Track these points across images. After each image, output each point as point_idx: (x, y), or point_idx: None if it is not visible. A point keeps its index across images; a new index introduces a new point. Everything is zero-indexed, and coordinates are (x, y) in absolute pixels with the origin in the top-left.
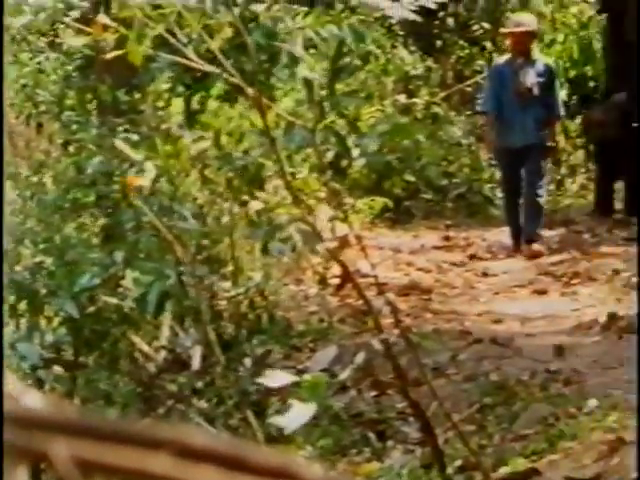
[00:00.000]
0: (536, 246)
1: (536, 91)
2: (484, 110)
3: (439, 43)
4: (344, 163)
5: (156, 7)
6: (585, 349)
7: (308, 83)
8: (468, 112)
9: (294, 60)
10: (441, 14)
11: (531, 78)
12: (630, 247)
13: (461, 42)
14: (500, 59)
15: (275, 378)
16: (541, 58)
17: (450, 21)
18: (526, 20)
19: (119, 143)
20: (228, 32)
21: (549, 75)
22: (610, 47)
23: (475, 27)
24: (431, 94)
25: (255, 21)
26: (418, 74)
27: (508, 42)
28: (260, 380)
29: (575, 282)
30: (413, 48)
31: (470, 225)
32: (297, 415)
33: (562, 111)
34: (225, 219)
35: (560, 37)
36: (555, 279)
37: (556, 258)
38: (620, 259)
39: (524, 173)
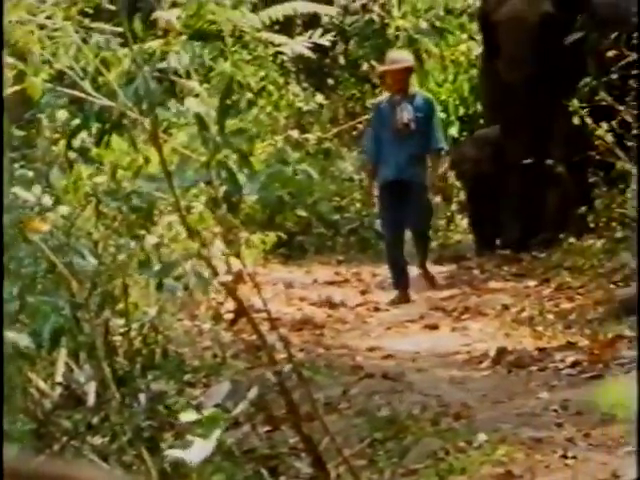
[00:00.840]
0: (430, 273)
1: (414, 126)
2: (365, 150)
3: (331, 80)
4: (236, 199)
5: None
6: (475, 383)
7: (199, 118)
8: (359, 148)
9: (188, 94)
10: (332, 52)
11: (409, 113)
12: (518, 283)
13: (352, 79)
14: (381, 98)
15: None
16: (420, 93)
17: (341, 58)
18: (401, 57)
19: (17, 190)
20: (125, 65)
21: (428, 110)
22: (487, 84)
23: (365, 65)
24: (323, 130)
25: (152, 55)
26: (310, 110)
27: (386, 80)
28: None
29: (465, 317)
30: (305, 85)
31: (362, 260)
32: (198, 450)
33: (445, 145)
34: (120, 254)
35: (450, 75)
36: (446, 314)
37: (446, 293)
38: (509, 294)
39: (407, 210)
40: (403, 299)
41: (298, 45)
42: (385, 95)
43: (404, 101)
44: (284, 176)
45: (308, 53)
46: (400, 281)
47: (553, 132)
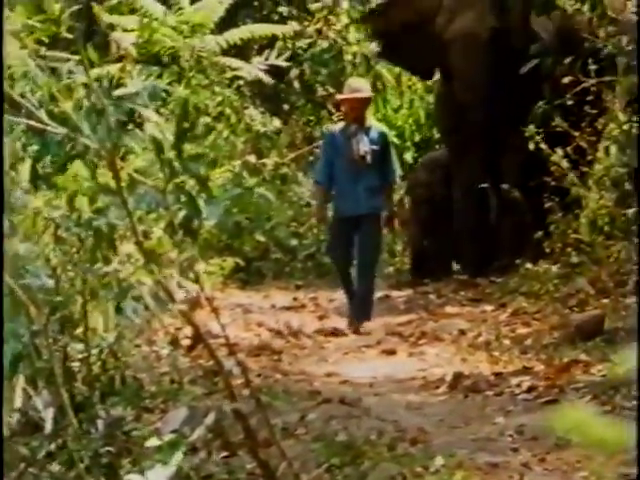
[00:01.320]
0: (364, 328)
1: (369, 159)
2: (316, 180)
3: (287, 105)
4: (195, 224)
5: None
6: (432, 408)
7: (156, 143)
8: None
9: (147, 120)
10: (288, 77)
11: (365, 145)
12: (475, 308)
13: (308, 105)
14: (333, 126)
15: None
16: (375, 125)
17: (297, 84)
18: (361, 86)
19: None
20: (81, 93)
21: (383, 142)
22: (442, 107)
23: (321, 90)
24: (280, 155)
25: (109, 81)
26: (268, 135)
27: (343, 108)
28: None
29: (422, 342)
30: (262, 109)
31: (319, 286)
32: (157, 475)
33: (398, 179)
34: (79, 280)
35: (406, 101)
36: (403, 339)
37: (404, 319)
38: (466, 319)
39: (359, 242)
40: (356, 327)
41: (254, 68)
42: (338, 123)
43: (360, 132)
44: (243, 201)
45: (264, 77)
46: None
47: (508, 157)
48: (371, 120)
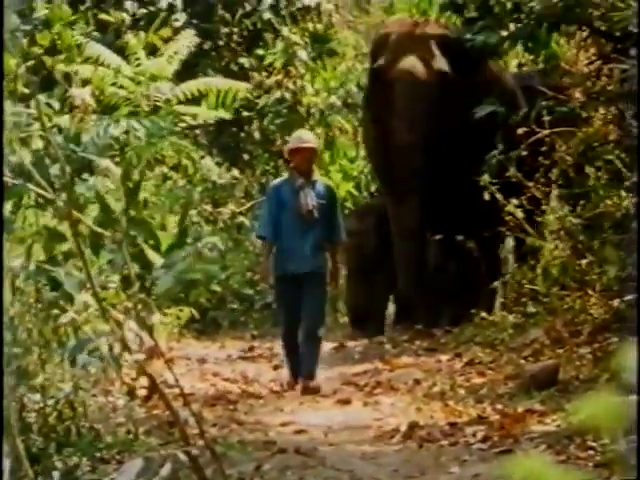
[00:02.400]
0: (314, 383)
1: (317, 214)
2: (261, 235)
3: (246, 155)
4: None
5: None
6: (387, 458)
7: (100, 198)
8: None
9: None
10: (248, 127)
11: (312, 200)
12: (430, 357)
13: (265, 155)
14: (278, 180)
15: None
16: (321, 179)
17: (256, 134)
18: (308, 137)
19: None
20: (38, 143)
21: (330, 197)
22: (376, 153)
23: (279, 141)
24: (237, 204)
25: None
26: (223, 185)
27: (291, 160)
28: None
29: (377, 392)
30: (220, 159)
31: (275, 335)
32: None
33: (344, 235)
34: (36, 330)
35: (362, 151)
36: (358, 389)
37: (359, 368)
38: (421, 369)
39: (304, 302)
40: (291, 386)
41: (212, 113)
42: (281, 178)
43: (307, 186)
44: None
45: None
46: (295, 372)
47: (460, 206)
48: (317, 174)
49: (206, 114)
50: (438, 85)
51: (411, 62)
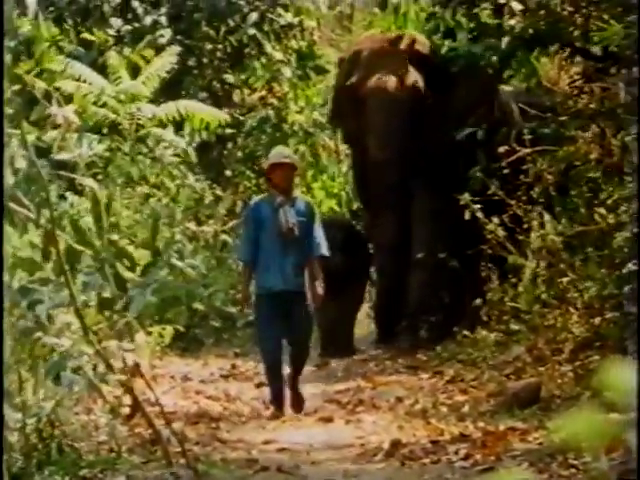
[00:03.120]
0: (301, 395)
1: (297, 232)
2: (240, 258)
3: (229, 172)
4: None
5: None
6: (369, 476)
7: (73, 221)
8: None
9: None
10: (233, 145)
11: (292, 217)
12: (412, 375)
13: (248, 173)
14: (257, 198)
15: None
16: (301, 196)
17: (239, 152)
18: (288, 153)
19: None
20: (22, 163)
21: (310, 214)
22: (352, 169)
23: (263, 159)
24: (220, 222)
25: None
26: (206, 203)
27: (270, 176)
28: None
29: (359, 410)
30: (203, 177)
31: (258, 353)
32: None
33: (325, 250)
34: (18, 349)
35: (344, 168)
36: (340, 407)
37: (341, 386)
38: (403, 387)
39: (289, 324)
40: (280, 415)
41: (182, 142)
42: (261, 196)
43: (287, 203)
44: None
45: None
46: (278, 399)
47: (439, 223)
48: (297, 191)
49: (190, 139)
50: (412, 101)
51: (384, 77)
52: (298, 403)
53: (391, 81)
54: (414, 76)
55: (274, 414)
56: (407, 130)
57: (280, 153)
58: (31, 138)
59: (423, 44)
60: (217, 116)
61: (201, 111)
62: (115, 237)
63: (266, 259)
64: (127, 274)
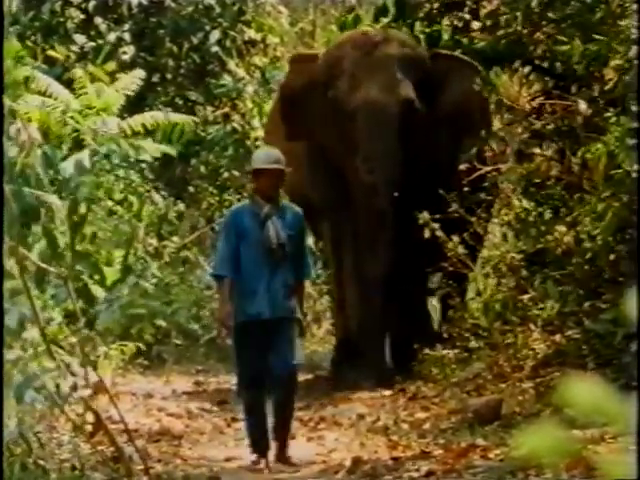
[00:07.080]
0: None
1: (288, 247)
2: (219, 273)
3: (192, 188)
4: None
5: None
6: None
7: (48, 234)
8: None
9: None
10: (196, 160)
11: (282, 231)
12: (374, 392)
13: (211, 188)
14: (237, 206)
15: None
16: (289, 205)
17: (202, 168)
18: (278, 156)
19: None
20: None
21: (299, 227)
22: (315, 179)
23: (226, 174)
24: (182, 238)
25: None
26: (170, 218)
27: (254, 183)
28: None
29: (321, 427)
30: (165, 193)
31: (220, 370)
32: None
33: (313, 272)
34: None
35: None
36: (302, 424)
37: (303, 403)
38: (364, 404)
39: (273, 355)
40: (266, 464)
41: (158, 147)
42: (242, 203)
43: (275, 214)
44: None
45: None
46: (260, 445)
47: (404, 242)
48: (284, 200)
49: (153, 149)
50: (404, 118)
51: (372, 90)
52: (287, 462)
53: (382, 97)
54: (405, 88)
55: (255, 462)
56: (399, 150)
57: (266, 157)
58: None
59: (411, 46)
60: (186, 121)
61: (171, 118)
62: (90, 249)
63: (249, 281)
64: (97, 289)
